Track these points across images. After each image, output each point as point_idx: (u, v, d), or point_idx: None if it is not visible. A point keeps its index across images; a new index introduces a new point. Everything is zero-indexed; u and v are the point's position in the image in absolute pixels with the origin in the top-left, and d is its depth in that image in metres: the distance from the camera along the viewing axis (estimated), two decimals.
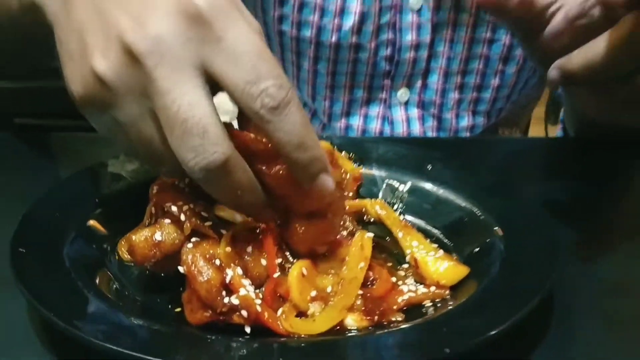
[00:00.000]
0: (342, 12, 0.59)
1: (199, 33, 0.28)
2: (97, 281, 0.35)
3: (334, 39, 0.61)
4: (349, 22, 0.60)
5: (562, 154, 0.58)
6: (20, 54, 0.53)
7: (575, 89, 0.47)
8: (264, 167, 0.31)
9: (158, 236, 0.32)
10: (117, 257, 0.38)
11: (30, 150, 0.56)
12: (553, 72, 0.40)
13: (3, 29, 0.47)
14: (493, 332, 0.28)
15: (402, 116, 0.64)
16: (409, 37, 0.60)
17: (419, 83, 0.63)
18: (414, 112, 0.64)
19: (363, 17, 0.60)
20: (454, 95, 0.64)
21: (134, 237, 0.33)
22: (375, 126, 0.65)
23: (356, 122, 0.65)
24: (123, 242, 0.38)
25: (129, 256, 0.36)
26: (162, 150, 0.30)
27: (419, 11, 0.59)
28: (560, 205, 0.48)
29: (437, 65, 0.62)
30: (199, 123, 0.28)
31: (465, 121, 0.65)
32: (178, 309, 0.33)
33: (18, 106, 1.06)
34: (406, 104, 0.64)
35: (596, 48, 0.38)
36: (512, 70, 0.62)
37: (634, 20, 0.36)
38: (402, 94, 0.64)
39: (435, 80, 0.63)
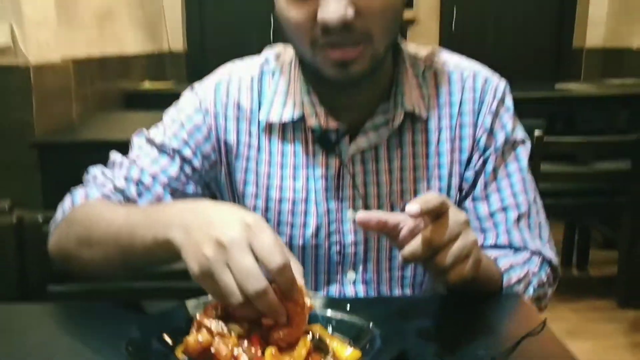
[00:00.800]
0: (305, 225, 0.84)
1: (248, 233, 0.55)
2: None
3: (300, 242, 0.85)
4: (309, 231, 0.84)
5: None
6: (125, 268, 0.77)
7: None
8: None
9: (200, 338, 0.55)
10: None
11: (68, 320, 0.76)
12: (400, 255, 0.62)
13: (136, 256, 0.69)
14: None
15: (352, 291, 0.86)
16: (350, 238, 0.84)
17: (360, 267, 0.85)
18: (360, 287, 0.86)
19: (318, 228, 0.84)
20: (386, 275, 0.86)
21: (189, 339, 0.56)
22: None
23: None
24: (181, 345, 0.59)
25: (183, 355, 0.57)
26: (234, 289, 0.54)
27: (354, 221, 0.83)
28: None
29: (371, 255, 0.85)
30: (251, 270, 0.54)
31: (397, 292, 0.87)
32: None
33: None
34: (354, 282, 0.86)
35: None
36: None
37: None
38: (350, 276, 0.86)
39: (371, 265, 0.85)
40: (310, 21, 0.72)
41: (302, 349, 0.55)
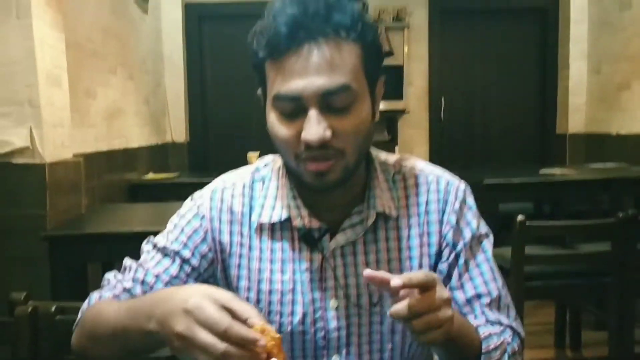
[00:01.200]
0: (292, 313, 0.95)
1: (191, 318, 0.69)
2: None
3: (289, 329, 0.95)
4: (297, 318, 0.95)
5: None
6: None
7: None
8: None
9: None
10: None
11: None
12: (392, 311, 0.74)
13: (134, 345, 0.83)
14: None
15: None
16: (333, 324, 0.95)
17: (344, 351, 0.96)
18: None
19: (304, 315, 0.95)
20: (367, 356, 0.97)
21: None
22: None
23: None
24: None
25: None
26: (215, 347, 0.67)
27: (336, 309, 0.95)
28: None
29: (353, 340, 0.96)
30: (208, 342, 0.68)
31: None
32: None
33: None
34: None
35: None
36: (397, 338, 0.96)
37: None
38: (335, 359, 0.97)
39: (353, 348, 0.96)
40: (295, 138, 0.86)
41: None
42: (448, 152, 5.14)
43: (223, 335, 0.67)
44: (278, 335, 0.69)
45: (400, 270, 0.96)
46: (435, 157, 5.02)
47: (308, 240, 0.95)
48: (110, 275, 1.01)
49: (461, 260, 0.96)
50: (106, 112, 3.31)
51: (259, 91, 0.92)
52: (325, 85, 0.82)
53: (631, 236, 2.37)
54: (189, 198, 1.04)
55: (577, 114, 4.87)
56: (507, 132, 5.19)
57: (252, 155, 3.75)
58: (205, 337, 0.67)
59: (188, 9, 4.96)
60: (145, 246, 1.02)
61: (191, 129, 5.02)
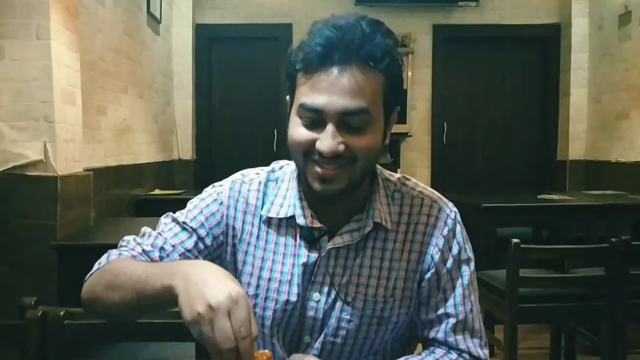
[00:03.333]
0: (286, 302, 1.04)
1: (230, 305, 0.76)
2: None
3: (279, 313, 1.05)
4: (290, 306, 1.04)
5: None
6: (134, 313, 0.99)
7: None
8: None
9: None
10: None
11: None
12: None
13: (147, 299, 0.90)
14: None
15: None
16: (310, 314, 1.05)
17: (315, 335, 1.06)
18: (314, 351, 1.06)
19: (295, 303, 1.04)
20: (337, 340, 1.05)
21: None
22: None
23: None
24: None
25: None
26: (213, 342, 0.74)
27: (317, 302, 1.05)
28: None
29: (325, 329, 1.05)
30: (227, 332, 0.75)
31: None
32: None
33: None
34: (308, 344, 1.06)
35: None
36: (364, 333, 1.05)
37: None
38: (307, 338, 1.06)
39: (322, 335, 1.05)
40: (309, 143, 0.95)
41: None
42: (449, 176, 5.21)
43: (240, 339, 0.74)
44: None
45: (378, 279, 1.04)
46: (436, 180, 5.09)
47: (308, 238, 1.04)
48: (130, 238, 1.09)
49: (441, 283, 1.05)
50: (116, 128, 3.40)
51: (288, 97, 1.02)
52: (346, 105, 0.92)
53: (624, 261, 2.42)
54: (210, 186, 1.13)
55: (578, 141, 4.94)
56: (508, 157, 5.26)
57: None
58: (227, 326, 0.74)
59: (198, 30, 5.09)
60: (164, 219, 1.10)
61: (198, 146, 5.12)
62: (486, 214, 3.25)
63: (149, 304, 0.91)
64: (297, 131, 0.96)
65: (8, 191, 2.27)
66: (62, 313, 1.35)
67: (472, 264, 1.08)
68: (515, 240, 2.44)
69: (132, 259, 1.02)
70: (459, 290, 1.05)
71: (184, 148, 4.97)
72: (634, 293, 2.50)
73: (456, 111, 5.24)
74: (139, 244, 1.06)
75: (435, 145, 5.23)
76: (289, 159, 1.06)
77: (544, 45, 5.20)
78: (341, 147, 0.93)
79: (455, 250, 1.06)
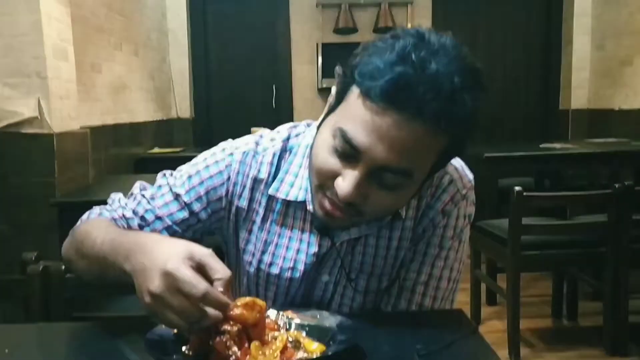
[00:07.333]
0: (288, 289, 0.99)
1: (168, 282, 0.69)
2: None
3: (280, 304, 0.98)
4: (291, 294, 0.99)
5: None
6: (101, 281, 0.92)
7: None
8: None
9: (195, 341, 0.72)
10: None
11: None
12: None
13: (111, 275, 0.84)
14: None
15: None
16: (318, 292, 0.99)
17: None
18: None
19: (297, 291, 0.98)
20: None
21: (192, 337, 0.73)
22: None
23: None
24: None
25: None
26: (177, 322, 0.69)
27: (326, 282, 0.98)
28: None
29: (329, 303, 0.99)
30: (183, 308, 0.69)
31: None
32: None
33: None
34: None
35: None
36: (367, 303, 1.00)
37: None
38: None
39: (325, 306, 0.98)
40: (330, 173, 0.82)
41: (279, 342, 0.71)
42: None
43: (199, 300, 0.68)
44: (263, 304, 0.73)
45: (393, 258, 0.97)
46: None
47: (320, 227, 0.94)
48: (116, 197, 1.01)
49: (429, 253, 0.96)
50: (112, 86, 3.36)
51: (334, 91, 0.86)
52: (390, 161, 0.77)
53: (627, 207, 2.42)
54: (222, 149, 1.00)
55: (580, 90, 4.88)
56: (510, 108, 5.21)
57: (255, 130, 3.79)
58: (182, 301, 0.68)
59: None
60: (161, 180, 1.00)
61: (196, 105, 5.06)
62: (488, 164, 3.23)
63: (114, 281, 0.84)
64: (323, 157, 0.83)
65: (4, 149, 2.25)
66: (63, 267, 1.34)
67: (462, 248, 0.99)
68: (517, 187, 2.42)
69: (108, 223, 0.94)
70: (436, 272, 0.97)
71: (182, 106, 4.93)
72: (636, 238, 2.50)
73: None
74: (122, 206, 0.98)
75: None
76: (288, 115, 1.00)
77: None
78: (358, 200, 0.81)
79: (449, 232, 0.97)
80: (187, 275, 0.69)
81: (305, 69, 5.03)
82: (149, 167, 3.63)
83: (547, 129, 5.14)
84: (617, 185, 2.42)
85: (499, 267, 3.05)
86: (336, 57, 0.86)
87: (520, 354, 2.53)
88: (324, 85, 4.90)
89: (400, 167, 0.78)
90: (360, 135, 0.77)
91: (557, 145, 3.59)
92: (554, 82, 5.11)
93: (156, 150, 4.06)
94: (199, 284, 0.68)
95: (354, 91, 0.79)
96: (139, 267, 0.73)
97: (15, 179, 2.24)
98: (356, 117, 0.78)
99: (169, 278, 0.69)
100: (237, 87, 5.12)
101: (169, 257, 0.70)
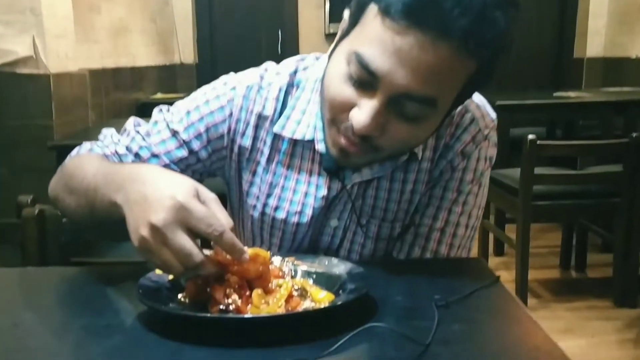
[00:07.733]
0: (295, 234, 0.93)
1: (178, 216, 0.61)
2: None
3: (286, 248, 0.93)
4: (299, 238, 0.93)
5: None
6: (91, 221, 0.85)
7: None
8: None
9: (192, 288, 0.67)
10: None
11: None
12: None
13: (99, 211, 0.77)
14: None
15: None
16: (325, 239, 0.93)
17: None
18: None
19: (305, 235, 0.92)
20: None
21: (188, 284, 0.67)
22: None
23: None
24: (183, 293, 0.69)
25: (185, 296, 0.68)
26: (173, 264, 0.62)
27: (335, 228, 0.92)
28: None
29: (337, 250, 0.94)
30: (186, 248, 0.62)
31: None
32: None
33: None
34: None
35: None
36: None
37: None
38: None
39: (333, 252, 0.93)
40: (346, 105, 0.74)
41: (284, 290, 0.65)
42: None
43: (214, 239, 0.61)
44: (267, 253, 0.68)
45: (408, 202, 0.90)
46: None
47: (329, 168, 0.87)
48: (109, 132, 0.94)
49: (447, 197, 0.90)
50: (111, 28, 3.25)
51: (347, 14, 0.77)
52: (412, 88, 0.69)
53: None
54: (224, 82, 0.92)
55: (596, 37, 4.71)
56: (524, 55, 5.05)
57: None
58: (184, 240, 0.61)
59: None
60: (157, 115, 0.93)
61: (200, 50, 4.94)
62: (500, 112, 3.11)
63: (104, 217, 0.77)
64: (337, 87, 0.74)
65: (0, 90, 2.17)
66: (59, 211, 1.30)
67: (482, 193, 0.92)
68: (531, 135, 2.35)
69: (91, 157, 0.86)
70: (453, 218, 0.90)
71: (186, 51, 4.80)
72: None
73: None
74: (114, 142, 0.90)
75: None
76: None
77: None
78: (375, 132, 0.73)
79: (468, 175, 0.89)
80: (202, 210, 0.62)
81: (312, 14, 4.87)
82: (152, 113, 3.55)
83: (561, 78, 5.00)
84: (634, 135, 2.35)
85: (507, 218, 3.01)
86: (344, 1, 0.77)
87: (528, 305, 2.51)
88: (332, 31, 4.75)
89: (423, 94, 0.70)
90: (378, 59, 0.69)
91: (572, 94, 3.47)
92: (569, 30, 4.94)
93: (159, 95, 3.97)
94: (220, 219, 0.62)
95: (372, 9, 0.70)
96: (136, 196, 0.65)
97: (13, 121, 2.17)
98: (374, 38, 0.69)
99: (181, 211, 0.61)
100: (242, 32, 4.98)
101: (178, 189, 0.63)
